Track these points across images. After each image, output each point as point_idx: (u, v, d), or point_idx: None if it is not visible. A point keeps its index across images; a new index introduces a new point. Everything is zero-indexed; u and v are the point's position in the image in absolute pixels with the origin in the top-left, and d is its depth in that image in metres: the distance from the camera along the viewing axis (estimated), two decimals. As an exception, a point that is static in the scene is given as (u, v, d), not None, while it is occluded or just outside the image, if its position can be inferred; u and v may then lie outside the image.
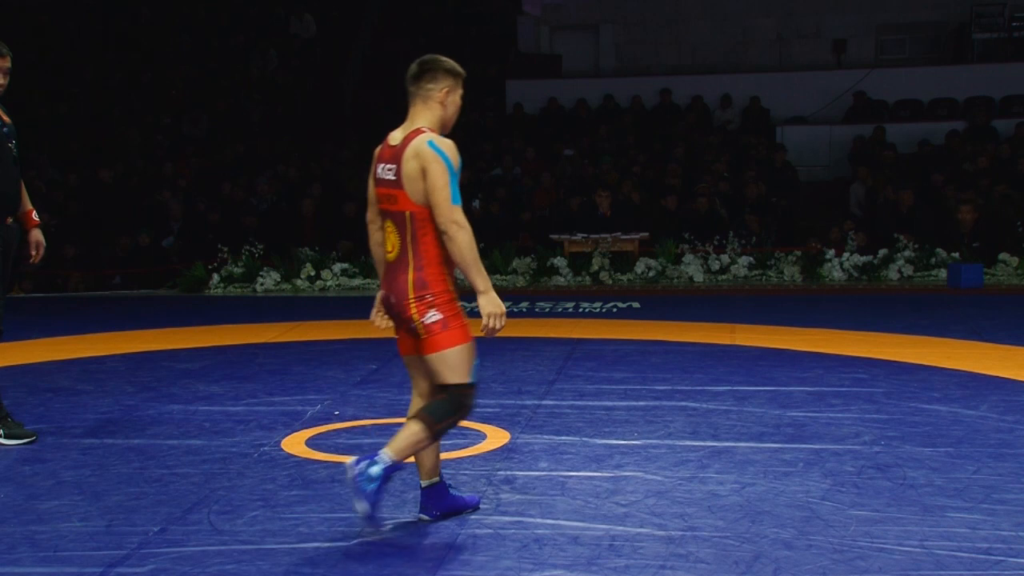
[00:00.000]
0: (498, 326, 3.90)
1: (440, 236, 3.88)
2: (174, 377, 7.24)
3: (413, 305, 3.91)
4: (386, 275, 4.05)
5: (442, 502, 4.18)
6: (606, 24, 19.07)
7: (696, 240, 12.78)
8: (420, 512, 4.21)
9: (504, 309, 3.91)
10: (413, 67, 4.04)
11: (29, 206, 5.71)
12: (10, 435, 5.47)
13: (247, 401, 6.45)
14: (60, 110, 18.11)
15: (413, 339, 4.02)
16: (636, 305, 10.62)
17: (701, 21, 18.81)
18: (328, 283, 12.68)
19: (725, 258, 12.55)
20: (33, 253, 5.69)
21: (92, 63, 19.15)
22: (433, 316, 3.90)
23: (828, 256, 12.37)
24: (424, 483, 4.17)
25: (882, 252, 12.38)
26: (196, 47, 19.61)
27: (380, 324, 4.17)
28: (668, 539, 3.97)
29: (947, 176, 14.09)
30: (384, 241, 4.08)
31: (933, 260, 12.26)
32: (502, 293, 4.30)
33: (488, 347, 7.63)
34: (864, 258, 12.36)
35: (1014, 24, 17.10)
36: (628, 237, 12.74)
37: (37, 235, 5.70)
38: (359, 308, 11.06)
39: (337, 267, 12.77)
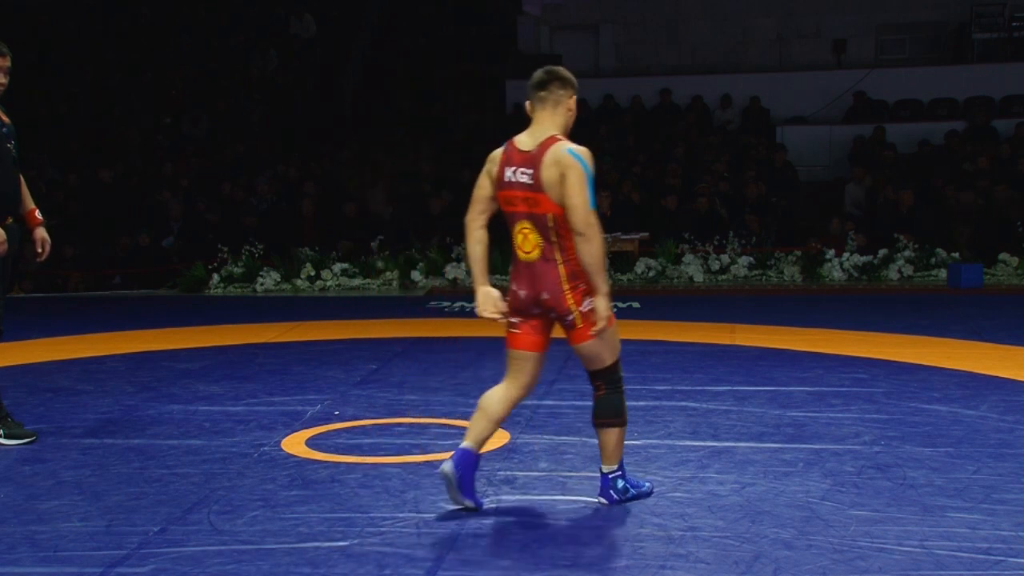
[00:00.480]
0: (603, 328, 4.17)
1: (574, 236, 4.08)
2: (174, 377, 7.24)
3: (569, 295, 4.18)
4: (525, 273, 4.24)
5: (467, 471, 4.27)
6: (606, 24, 19.06)
7: (696, 240, 12.78)
8: (448, 460, 4.27)
9: (609, 315, 4.17)
10: (540, 74, 4.25)
11: (32, 204, 5.71)
12: (10, 435, 5.47)
13: (247, 401, 6.45)
14: (60, 110, 18.10)
15: (543, 336, 4.28)
16: (636, 305, 10.61)
17: (701, 21, 18.79)
18: (328, 283, 12.68)
19: (725, 258, 12.55)
20: (39, 250, 5.68)
21: (92, 63, 19.14)
22: (588, 303, 4.18)
23: (828, 256, 12.37)
24: (466, 444, 4.28)
25: (882, 252, 12.38)
26: (196, 47, 19.60)
27: (490, 315, 4.31)
28: (668, 539, 3.97)
29: (947, 176, 14.08)
30: (483, 239, 4.30)
31: (933, 260, 12.26)
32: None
33: (489, 347, 7.64)
34: (864, 258, 12.36)
35: (1014, 24, 17.08)
36: (628, 237, 12.73)
37: (42, 232, 5.69)
38: (359, 308, 11.14)
39: (337, 267, 12.78)
